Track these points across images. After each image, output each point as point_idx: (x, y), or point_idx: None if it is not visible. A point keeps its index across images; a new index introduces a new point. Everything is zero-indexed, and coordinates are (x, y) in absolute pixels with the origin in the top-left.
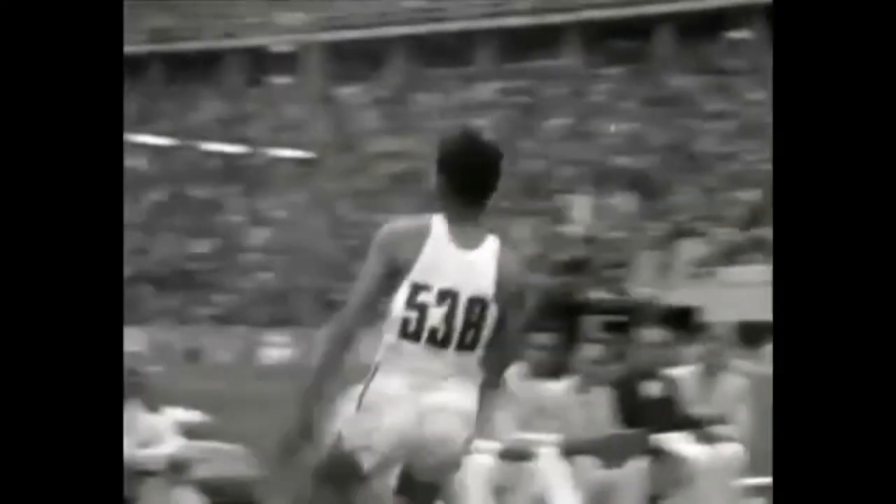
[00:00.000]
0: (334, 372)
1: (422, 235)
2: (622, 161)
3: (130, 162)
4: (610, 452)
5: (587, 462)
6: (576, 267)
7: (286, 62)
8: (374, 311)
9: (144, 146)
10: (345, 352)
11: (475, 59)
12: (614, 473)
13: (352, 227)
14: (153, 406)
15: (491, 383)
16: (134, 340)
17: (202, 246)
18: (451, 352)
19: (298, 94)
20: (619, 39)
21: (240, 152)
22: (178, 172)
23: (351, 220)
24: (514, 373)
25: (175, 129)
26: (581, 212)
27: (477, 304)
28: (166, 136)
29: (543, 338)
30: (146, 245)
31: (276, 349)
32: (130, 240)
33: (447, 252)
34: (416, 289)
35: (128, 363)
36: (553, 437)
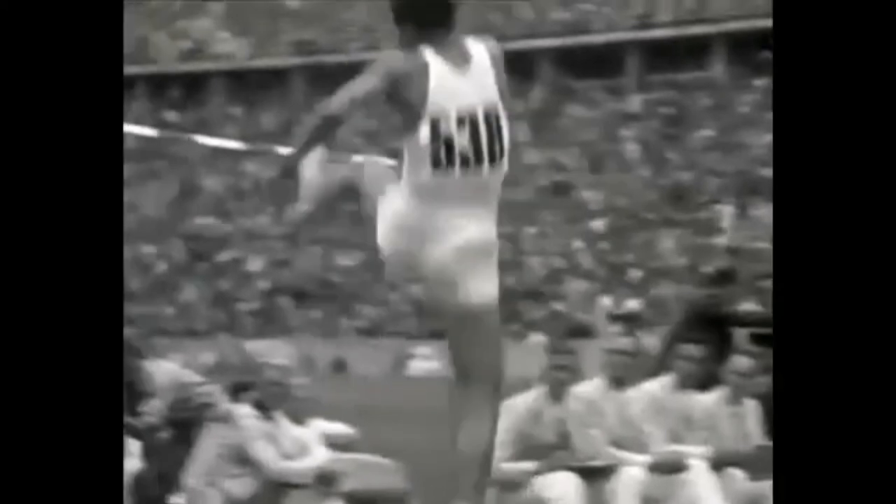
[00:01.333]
0: (317, 145)
1: (424, 74)
2: (768, 172)
3: (273, 172)
4: (760, 465)
5: (737, 474)
6: (723, 278)
7: None
8: (355, 113)
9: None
10: (329, 135)
11: (622, 70)
12: (764, 486)
13: (501, 239)
14: (299, 418)
15: None
16: (279, 352)
17: (349, 258)
18: (485, 170)
19: None
20: (764, 50)
21: (390, 164)
22: None
23: (501, 232)
24: (663, 384)
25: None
26: (726, 223)
27: (492, 114)
28: None
29: (692, 349)
30: (290, 257)
31: (424, 361)
32: (273, 252)
33: (451, 79)
34: (436, 122)
35: (273, 375)
36: (703, 449)
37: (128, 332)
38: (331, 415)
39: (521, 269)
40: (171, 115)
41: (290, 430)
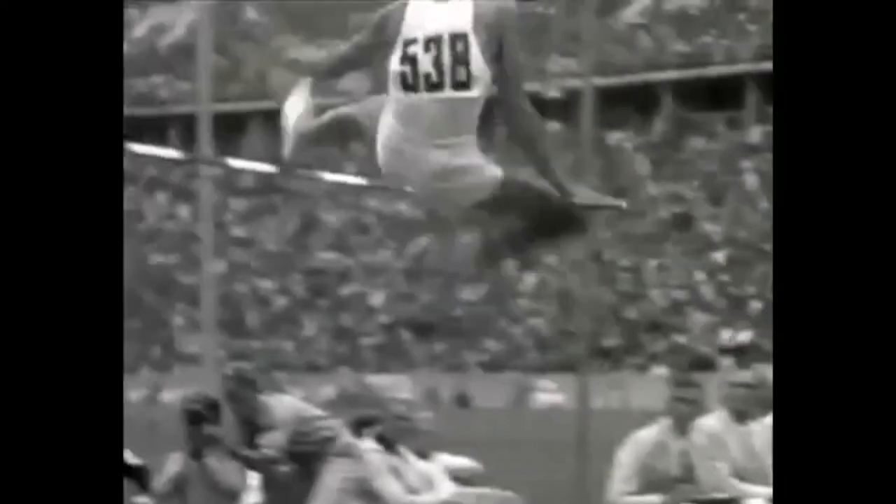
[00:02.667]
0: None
1: (402, 9)
2: None
3: (395, 207)
4: None
5: None
6: None
7: (557, 108)
8: (347, 68)
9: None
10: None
11: (742, 102)
12: None
13: (623, 271)
14: (424, 453)
15: (512, 129)
16: (402, 387)
17: (471, 292)
18: (449, 93)
19: (570, 140)
20: None
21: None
22: (446, 218)
23: (621, 265)
24: None
25: None
26: None
27: (459, 40)
28: None
29: None
30: (413, 291)
31: (547, 394)
32: (395, 286)
33: (426, 9)
34: (406, 44)
35: (397, 409)
36: None
37: (245, 365)
38: (455, 449)
39: (643, 301)
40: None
41: (415, 465)
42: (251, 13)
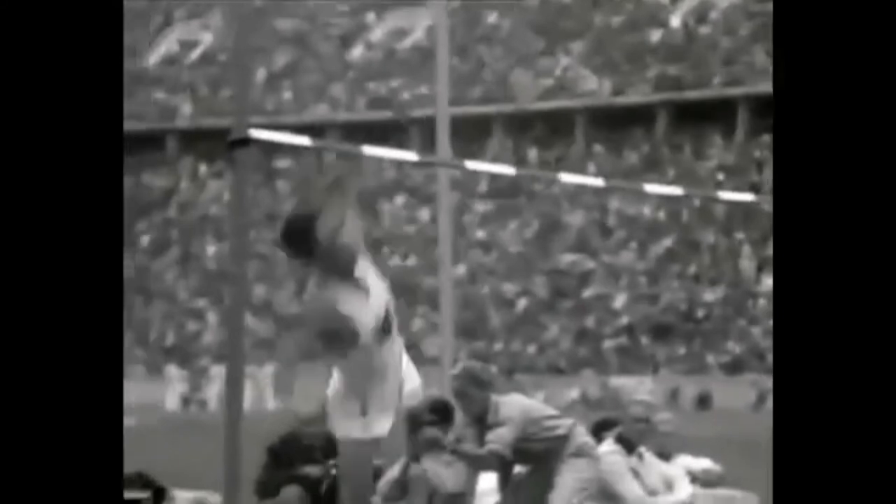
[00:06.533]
0: None
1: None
2: None
3: (637, 208)
4: None
5: None
6: None
7: None
8: None
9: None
10: None
11: None
12: None
13: None
14: (664, 454)
15: None
16: (643, 388)
17: (712, 293)
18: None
19: None
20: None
21: (749, 200)
22: (686, 220)
23: None
24: None
25: (683, 177)
26: None
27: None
28: (674, 185)
29: None
30: (655, 292)
31: None
32: (637, 287)
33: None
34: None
35: (637, 411)
36: None
37: (475, 364)
38: (696, 450)
39: None
40: (532, 153)
41: (655, 466)
42: (492, 17)
